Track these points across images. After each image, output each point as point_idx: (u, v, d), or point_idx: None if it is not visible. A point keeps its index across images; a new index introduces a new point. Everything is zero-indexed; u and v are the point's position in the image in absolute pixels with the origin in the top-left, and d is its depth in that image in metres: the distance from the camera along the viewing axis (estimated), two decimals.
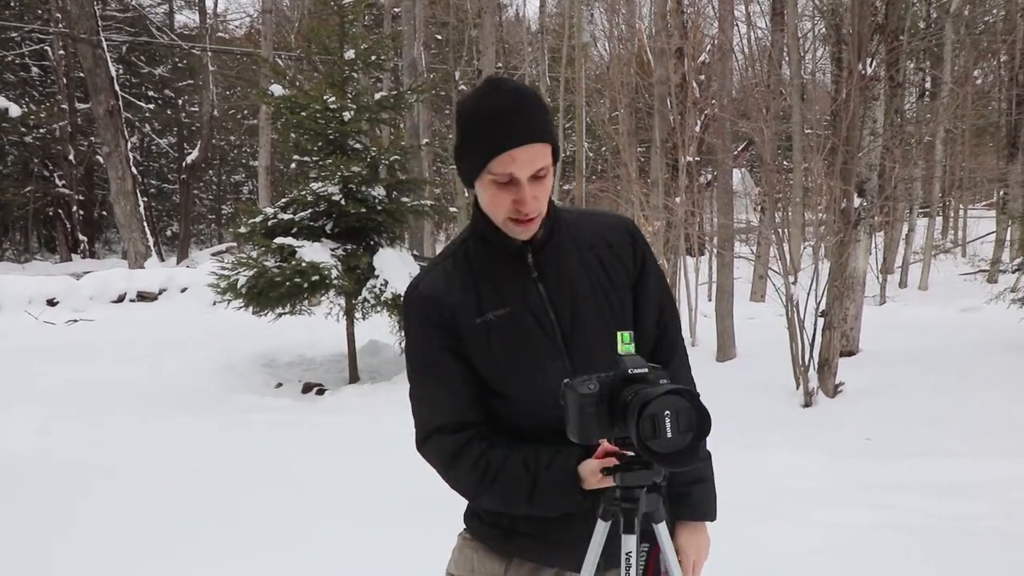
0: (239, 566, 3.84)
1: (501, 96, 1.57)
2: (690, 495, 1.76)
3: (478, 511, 1.77)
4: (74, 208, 29.31)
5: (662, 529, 1.53)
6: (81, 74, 22.98)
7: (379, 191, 8.78)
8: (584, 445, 1.49)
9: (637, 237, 1.78)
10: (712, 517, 1.79)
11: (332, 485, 4.99)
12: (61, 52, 27.79)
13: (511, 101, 1.56)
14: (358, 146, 9.11)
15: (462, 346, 1.64)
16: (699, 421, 1.36)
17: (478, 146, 1.55)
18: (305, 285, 8.05)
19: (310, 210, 8.67)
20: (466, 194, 24.63)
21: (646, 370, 1.44)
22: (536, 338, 1.63)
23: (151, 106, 31.58)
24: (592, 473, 1.51)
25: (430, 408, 1.68)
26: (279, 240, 8.41)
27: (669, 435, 1.34)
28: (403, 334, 1.72)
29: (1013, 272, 11.21)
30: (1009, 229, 17.62)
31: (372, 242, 8.93)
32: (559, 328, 1.64)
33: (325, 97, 8.77)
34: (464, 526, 1.84)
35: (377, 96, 9.64)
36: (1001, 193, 20.80)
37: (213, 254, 22.38)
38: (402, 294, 7.80)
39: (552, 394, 1.55)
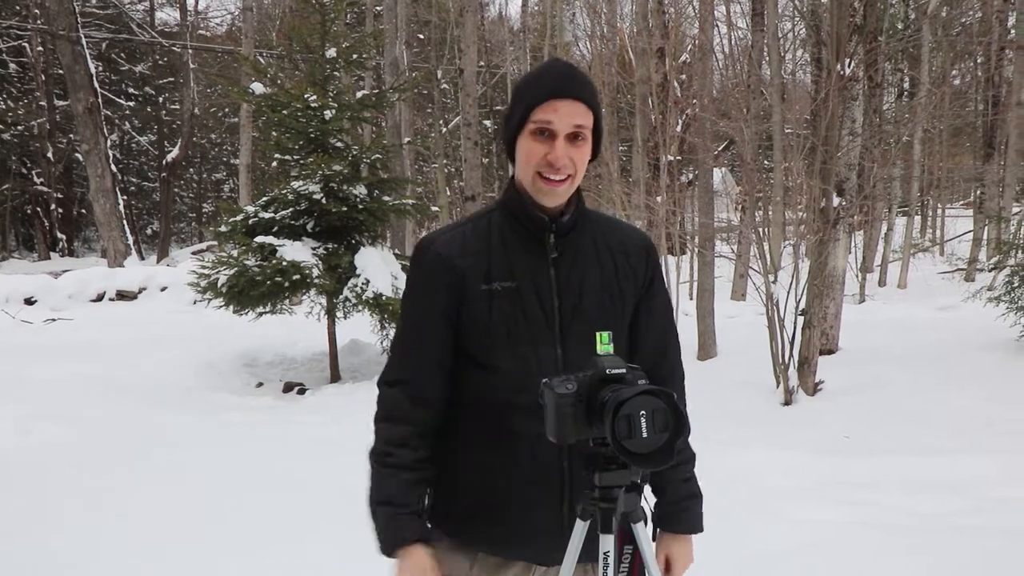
0: (225, 564, 3.83)
1: (556, 64, 1.69)
2: (687, 510, 1.80)
3: (438, 503, 1.76)
4: (53, 206, 29.04)
5: (640, 529, 1.54)
6: (60, 71, 22.77)
7: (360, 190, 8.76)
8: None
9: (652, 255, 1.81)
10: (701, 530, 1.83)
11: (313, 484, 4.98)
12: (40, 49, 27.53)
13: (565, 66, 1.67)
14: (339, 145, 9.08)
15: (461, 311, 1.66)
16: (675, 421, 1.37)
17: (525, 99, 1.63)
18: (286, 284, 8.02)
19: (291, 209, 8.64)
20: (447, 192, 24.61)
21: (624, 370, 1.45)
22: (535, 320, 1.64)
23: (131, 103, 31.33)
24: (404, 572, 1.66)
25: (404, 359, 1.73)
26: (260, 239, 8.38)
27: (645, 435, 1.35)
28: (406, 283, 1.76)
29: (990, 271, 11.32)
30: (986, 228, 17.77)
31: (353, 241, 8.91)
32: (559, 316, 1.66)
33: (306, 95, 8.73)
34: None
35: (359, 95, 9.62)
36: (978, 192, 20.99)
37: (193, 253, 22.23)
38: (383, 293, 7.72)
39: (533, 381, 1.57)
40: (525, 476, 1.65)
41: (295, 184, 8.61)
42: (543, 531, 1.66)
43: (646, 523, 1.56)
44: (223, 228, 8.87)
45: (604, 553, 1.49)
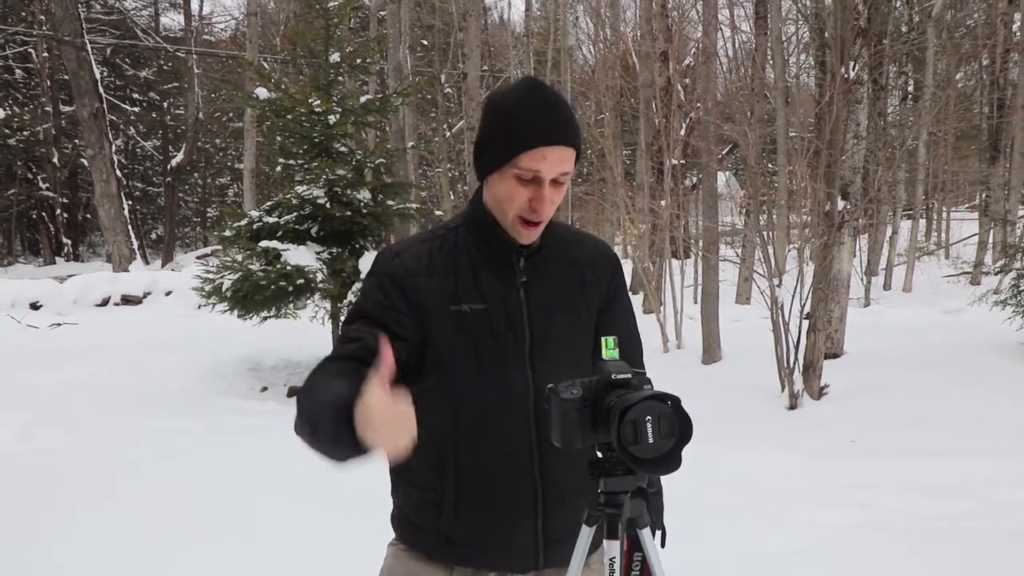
0: (229, 568, 3.82)
1: (543, 94, 1.58)
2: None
3: (409, 515, 1.72)
4: (58, 211, 29.13)
5: (646, 535, 1.53)
6: (65, 77, 22.83)
7: (364, 194, 8.76)
8: None
9: (617, 269, 1.81)
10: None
11: (320, 489, 4.97)
12: (45, 55, 27.63)
13: (553, 100, 1.57)
14: (343, 149, 9.09)
15: (426, 328, 1.59)
16: (681, 426, 1.36)
17: (511, 137, 1.54)
18: (290, 288, 8.02)
19: (295, 213, 8.65)
20: (451, 196, 24.63)
21: (629, 375, 1.45)
22: (505, 342, 1.61)
23: (136, 109, 31.40)
24: (369, 414, 1.24)
25: (348, 342, 1.56)
26: (264, 243, 8.38)
27: (651, 440, 1.34)
28: (362, 289, 1.67)
29: (995, 274, 11.30)
30: (991, 231, 17.73)
31: (358, 245, 8.91)
32: (529, 338, 1.63)
33: (310, 100, 8.74)
34: (394, 534, 1.78)
35: (363, 99, 9.62)
36: (983, 196, 20.95)
37: (198, 257, 22.27)
38: None
39: (505, 403, 1.57)
40: (497, 498, 1.62)
41: (299, 189, 8.62)
42: (517, 547, 1.66)
43: (653, 530, 1.55)
44: (227, 233, 8.88)
45: (610, 559, 1.49)
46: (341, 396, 1.31)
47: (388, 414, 1.23)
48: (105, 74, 27.76)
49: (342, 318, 8.72)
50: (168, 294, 14.43)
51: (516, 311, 1.63)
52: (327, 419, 1.34)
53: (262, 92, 9.44)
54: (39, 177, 29.02)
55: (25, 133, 27.30)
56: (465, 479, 1.63)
